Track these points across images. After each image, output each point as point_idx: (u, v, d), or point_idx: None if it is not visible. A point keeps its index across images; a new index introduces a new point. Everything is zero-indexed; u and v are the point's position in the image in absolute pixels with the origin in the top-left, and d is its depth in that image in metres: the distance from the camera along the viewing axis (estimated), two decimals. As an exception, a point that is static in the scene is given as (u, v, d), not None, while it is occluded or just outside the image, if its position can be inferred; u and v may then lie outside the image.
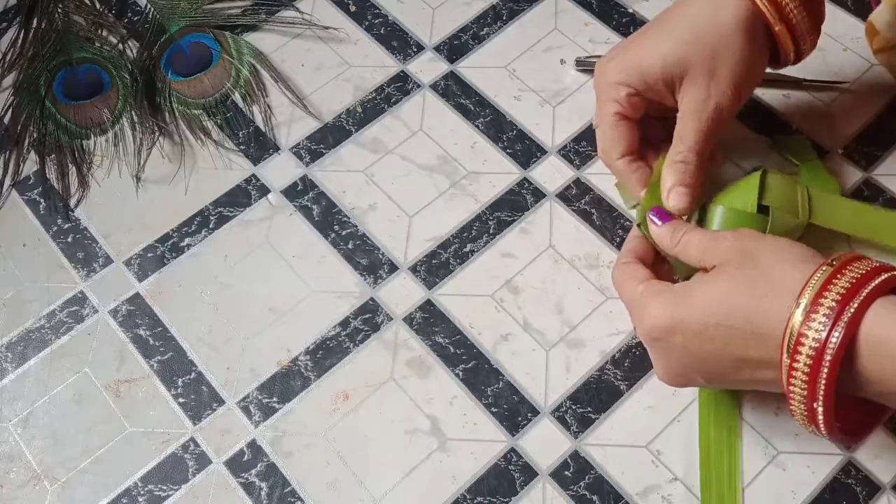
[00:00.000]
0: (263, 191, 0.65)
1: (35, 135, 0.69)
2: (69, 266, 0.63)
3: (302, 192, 0.65)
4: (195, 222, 0.64)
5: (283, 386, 0.57)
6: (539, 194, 0.63)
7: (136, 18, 0.75)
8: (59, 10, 0.74)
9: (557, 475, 0.53)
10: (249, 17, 0.74)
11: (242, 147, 0.67)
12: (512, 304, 0.59)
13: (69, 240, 0.64)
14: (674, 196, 0.53)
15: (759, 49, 0.54)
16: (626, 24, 0.70)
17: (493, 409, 0.56)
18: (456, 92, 0.68)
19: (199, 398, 0.57)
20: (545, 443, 0.54)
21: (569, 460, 0.54)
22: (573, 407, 0.55)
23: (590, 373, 0.56)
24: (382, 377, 0.57)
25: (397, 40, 0.71)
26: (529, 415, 0.55)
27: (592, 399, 0.55)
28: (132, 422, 0.57)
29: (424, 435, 0.55)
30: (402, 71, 0.70)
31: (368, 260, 0.61)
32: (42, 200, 0.66)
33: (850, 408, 0.44)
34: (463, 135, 0.66)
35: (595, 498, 0.52)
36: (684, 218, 0.54)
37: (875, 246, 0.58)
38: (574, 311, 0.58)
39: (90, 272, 0.63)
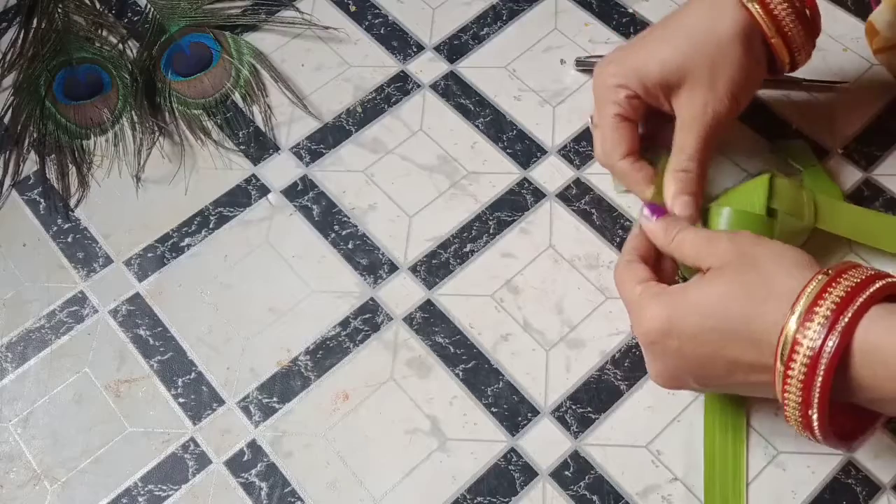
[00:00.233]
0: (263, 191, 0.65)
1: (35, 135, 0.69)
2: (69, 266, 0.63)
3: (302, 192, 0.65)
4: (195, 222, 0.64)
5: (283, 386, 0.57)
6: (539, 194, 0.63)
7: (136, 18, 0.75)
8: (59, 10, 0.74)
9: (557, 475, 0.53)
10: (249, 17, 0.74)
11: (242, 147, 0.67)
12: (512, 304, 0.59)
13: (69, 240, 0.64)
14: (679, 205, 0.54)
15: (756, 58, 0.55)
16: (626, 24, 0.70)
17: (493, 409, 0.56)
18: (456, 92, 0.68)
19: (199, 398, 0.57)
20: (545, 443, 0.54)
21: (569, 460, 0.54)
22: (573, 407, 0.55)
23: (590, 373, 0.56)
24: (382, 377, 0.57)
25: (397, 40, 0.71)
26: (529, 415, 0.55)
27: (592, 399, 0.55)
28: (132, 422, 0.57)
29: (424, 435, 0.55)
30: (402, 71, 0.70)
31: (368, 260, 0.61)
32: (42, 200, 0.66)
33: (843, 414, 0.44)
34: (463, 135, 0.66)
35: (595, 498, 0.52)
36: None
37: (878, 251, 0.58)
38: (574, 311, 0.58)
39: (90, 272, 0.63)
